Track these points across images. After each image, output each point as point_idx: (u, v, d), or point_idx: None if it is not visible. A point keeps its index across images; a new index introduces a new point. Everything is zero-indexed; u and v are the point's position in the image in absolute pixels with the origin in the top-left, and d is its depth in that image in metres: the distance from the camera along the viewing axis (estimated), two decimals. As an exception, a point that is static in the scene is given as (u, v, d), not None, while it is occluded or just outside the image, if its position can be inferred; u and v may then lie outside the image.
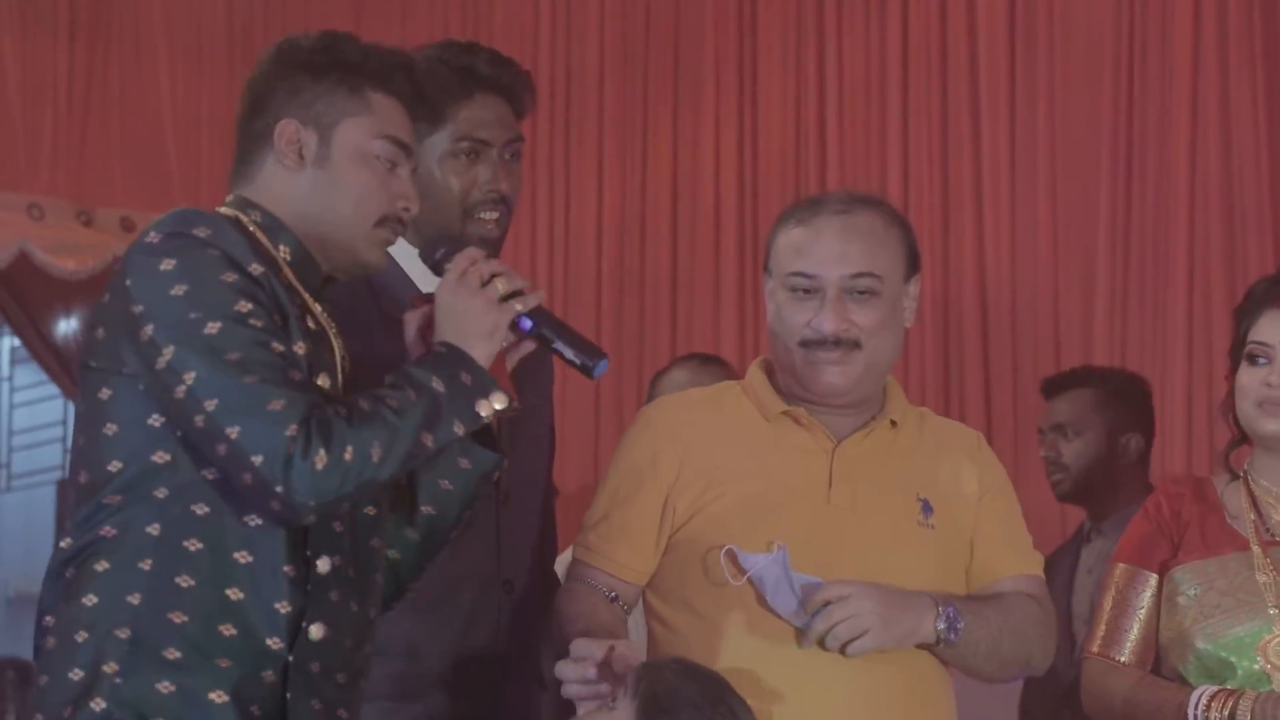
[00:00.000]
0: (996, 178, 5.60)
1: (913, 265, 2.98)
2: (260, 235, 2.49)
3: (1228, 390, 3.12)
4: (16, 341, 8.24)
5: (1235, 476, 3.13)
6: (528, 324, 2.55)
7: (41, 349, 7.28)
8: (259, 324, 2.38)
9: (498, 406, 2.46)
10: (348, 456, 2.35)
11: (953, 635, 2.80)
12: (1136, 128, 5.34)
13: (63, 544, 2.42)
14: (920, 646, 2.82)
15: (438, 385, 2.42)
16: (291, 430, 2.33)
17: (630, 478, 2.93)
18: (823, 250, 2.91)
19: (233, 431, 2.33)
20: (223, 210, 2.52)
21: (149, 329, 2.36)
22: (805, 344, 2.90)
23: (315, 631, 2.42)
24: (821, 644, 2.77)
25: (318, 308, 2.53)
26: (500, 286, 2.54)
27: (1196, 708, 2.95)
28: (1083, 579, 4.50)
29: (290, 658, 2.41)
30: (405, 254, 2.97)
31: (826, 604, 2.74)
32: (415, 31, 6.59)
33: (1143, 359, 5.15)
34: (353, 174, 2.53)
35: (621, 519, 2.93)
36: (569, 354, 2.60)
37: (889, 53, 5.79)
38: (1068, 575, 4.63)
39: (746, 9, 6.11)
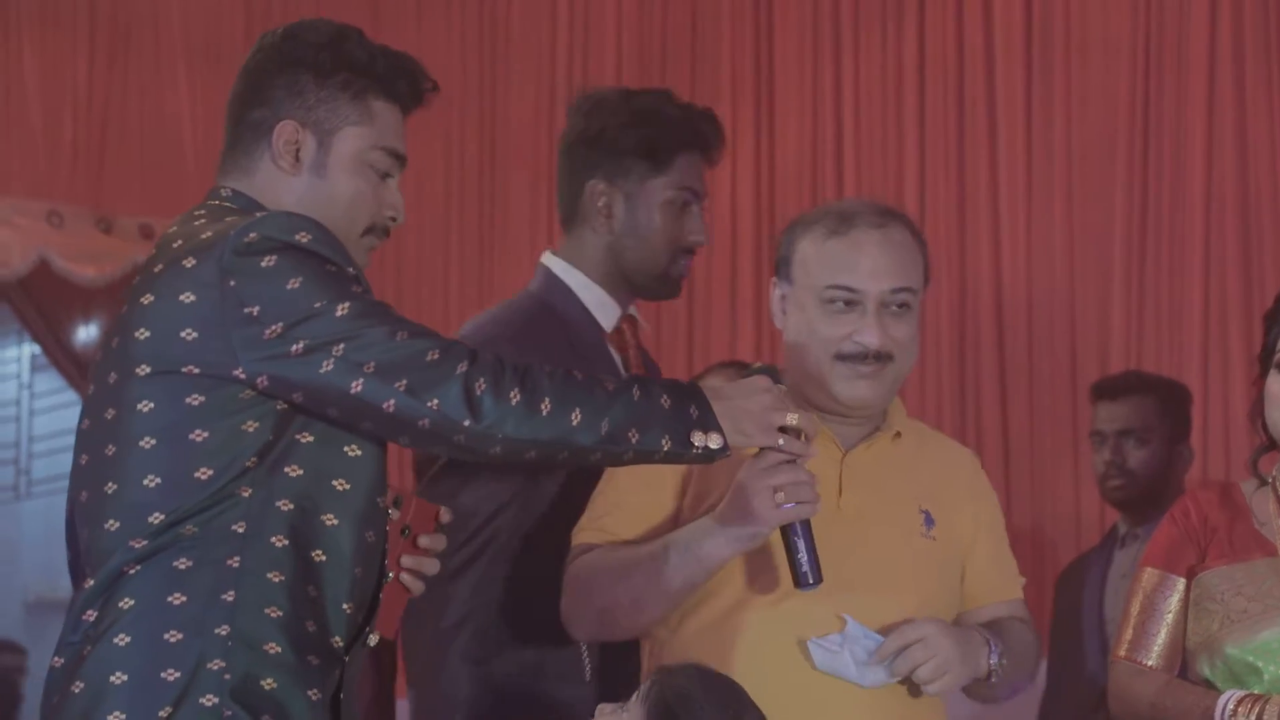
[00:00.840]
0: (1013, 187, 5.61)
1: (928, 278, 3.02)
2: None
3: (1257, 396, 3.11)
4: (37, 349, 8.26)
5: (1264, 482, 3.13)
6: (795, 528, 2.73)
7: (61, 356, 7.30)
8: (379, 300, 2.42)
9: (712, 446, 2.48)
10: (544, 408, 2.37)
11: (1001, 669, 2.87)
12: (1153, 136, 5.35)
13: (133, 543, 2.38)
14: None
15: (665, 401, 2.46)
16: (463, 368, 2.36)
17: (644, 470, 2.89)
18: (866, 265, 2.92)
19: (400, 385, 2.34)
20: (228, 207, 2.51)
21: (277, 325, 2.36)
22: (842, 357, 2.91)
23: (373, 638, 2.47)
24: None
25: None
26: (780, 499, 2.69)
27: (1224, 712, 2.95)
28: (1116, 583, 4.51)
29: (346, 658, 2.44)
30: (580, 284, 3.36)
31: (905, 648, 2.77)
32: (431, 36, 6.61)
33: (1159, 366, 5.15)
34: (347, 183, 2.54)
35: (637, 505, 2.93)
36: (802, 560, 2.72)
37: (905, 63, 5.80)
38: (1100, 579, 4.64)
39: (763, 20, 6.13)
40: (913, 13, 5.81)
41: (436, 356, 2.35)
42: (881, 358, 2.91)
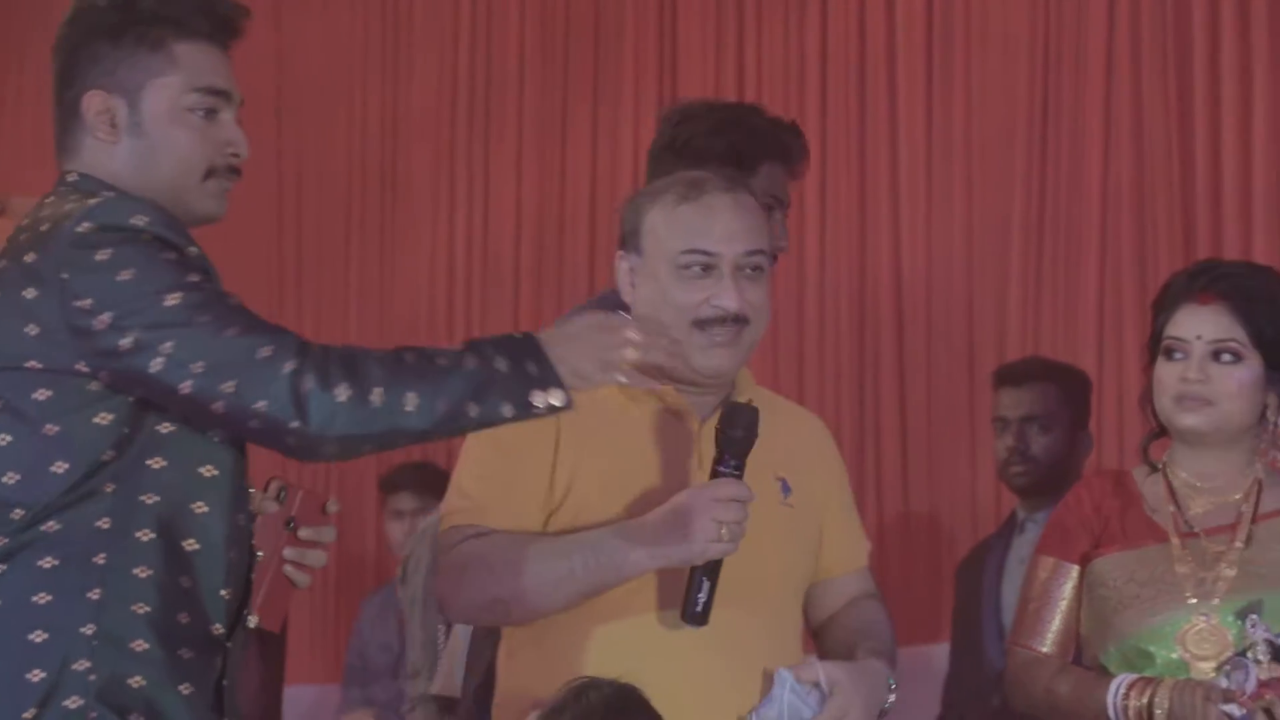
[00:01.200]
0: (913, 178, 5.64)
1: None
2: None
3: (1147, 383, 3.15)
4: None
5: (1155, 469, 3.16)
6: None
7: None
8: (216, 287, 2.37)
9: (555, 403, 2.42)
10: (375, 398, 2.32)
11: (894, 696, 2.90)
12: (1051, 127, 5.39)
13: None
14: None
15: (500, 364, 2.39)
16: (290, 365, 2.30)
17: (511, 448, 2.88)
18: (720, 228, 2.89)
19: (228, 386, 2.30)
20: (73, 190, 2.45)
21: (105, 317, 2.31)
22: (700, 323, 2.88)
23: (252, 620, 2.44)
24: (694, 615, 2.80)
25: None
26: (724, 534, 2.70)
27: (1116, 696, 2.98)
28: (1014, 569, 4.52)
29: (228, 644, 2.42)
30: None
31: None
32: (335, 17, 6.58)
33: (1054, 355, 5.19)
34: (169, 136, 2.47)
35: (507, 482, 2.88)
36: (701, 599, 2.75)
37: (808, 51, 5.82)
38: (998, 565, 4.66)
39: (666, 6, 6.12)
40: (815, 4, 5.82)
41: (268, 353, 2.30)
42: (739, 320, 2.88)
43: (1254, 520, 3.08)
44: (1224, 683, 2.92)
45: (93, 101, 2.45)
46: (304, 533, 2.52)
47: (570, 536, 2.82)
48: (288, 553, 2.53)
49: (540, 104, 6.29)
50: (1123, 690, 2.97)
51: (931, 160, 5.62)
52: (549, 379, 2.41)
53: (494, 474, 2.88)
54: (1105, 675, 3.04)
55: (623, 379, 2.56)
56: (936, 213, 5.60)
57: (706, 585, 2.76)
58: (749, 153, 3.43)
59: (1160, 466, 3.15)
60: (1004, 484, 4.79)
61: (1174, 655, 3.01)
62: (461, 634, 3.64)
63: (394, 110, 6.51)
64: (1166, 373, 3.09)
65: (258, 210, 6.60)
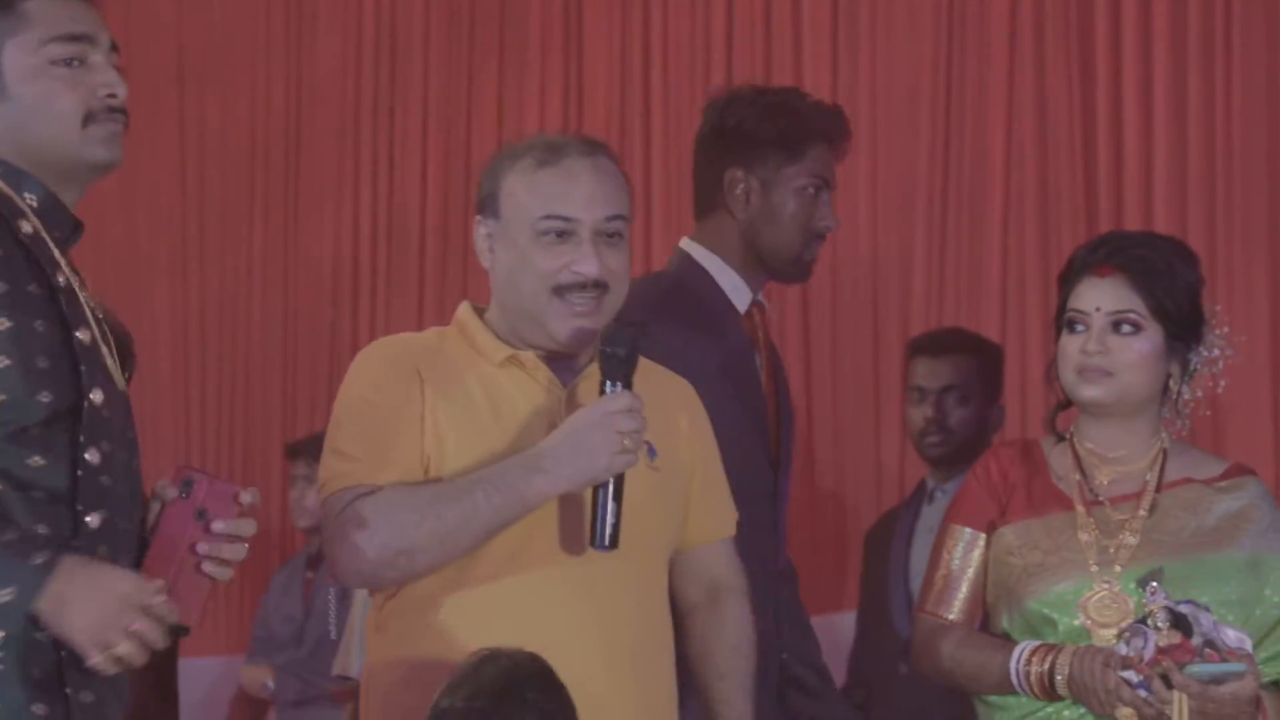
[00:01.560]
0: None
1: (633, 212, 3.00)
2: (2, 185, 2.41)
3: (1053, 356, 3.16)
4: None
5: (1061, 438, 3.18)
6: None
7: None
8: None
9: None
10: None
11: None
12: (955, 100, 5.42)
13: None
14: None
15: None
16: None
17: (383, 407, 2.85)
18: (580, 193, 2.87)
19: None
20: None
21: None
22: (559, 289, 2.86)
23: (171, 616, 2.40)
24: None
25: (64, 260, 2.46)
26: (626, 445, 2.70)
27: (1018, 662, 3.01)
28: (924, 538, 4.54)
29: None
30: (717, 267, 3.53)
31: None
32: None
33: (958, 325, 5.22)
34: (33, 91, 2.44)
35: (386, 438, 2.85)
36: (609, 520, 2.75)
37: (713, 27, 5.81)
38: (907, 534, 4.68)
39: (572, -21, 6.10)
40: (722, -23, 5.83)
41: None
42: (599, 287, 2.86)
43: (1158, 489, 3.11)
44: (1123, 650, 2.95)
45: None
46: (218, 526, 2.48)
47: (467, 476, 2.80)
48: (202, 548, 2.48)
49: (446, 73, 6.26)
50: (1024, 656, 3.01)
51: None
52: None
53: (371, 433, 2.85)
54: (1009, 642, 3.06)
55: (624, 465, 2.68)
56: (842, 184, 5.59)
57: (613, 506, 2.75)
58: (797, 136, 3.55)
59: (1067, 436, 3.17)
60: (918, 453, 4.81)
61: (1076, 622, 3.03)
62: (361, 614, 3.62)
63: (298, 78, 6.45)
64: (1068, 345, 3.11)
65: (160, 178, 6.54)
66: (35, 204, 2.44)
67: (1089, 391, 3.09)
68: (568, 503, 2.85)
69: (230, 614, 6.39)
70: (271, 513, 6.25)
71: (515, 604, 2.82)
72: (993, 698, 3.07)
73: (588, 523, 2.79)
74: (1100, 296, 3.09)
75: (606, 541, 2.76)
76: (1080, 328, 3.10)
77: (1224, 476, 3.15)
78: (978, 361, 4.71)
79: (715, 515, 3.06)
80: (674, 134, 5.87)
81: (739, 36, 5.79)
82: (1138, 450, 3.14)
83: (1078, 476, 3.13)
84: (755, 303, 3.62)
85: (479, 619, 2.80)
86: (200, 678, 6.08)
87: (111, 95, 2.47)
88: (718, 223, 3.58)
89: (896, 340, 5.42)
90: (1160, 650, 2.92)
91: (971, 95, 5.39)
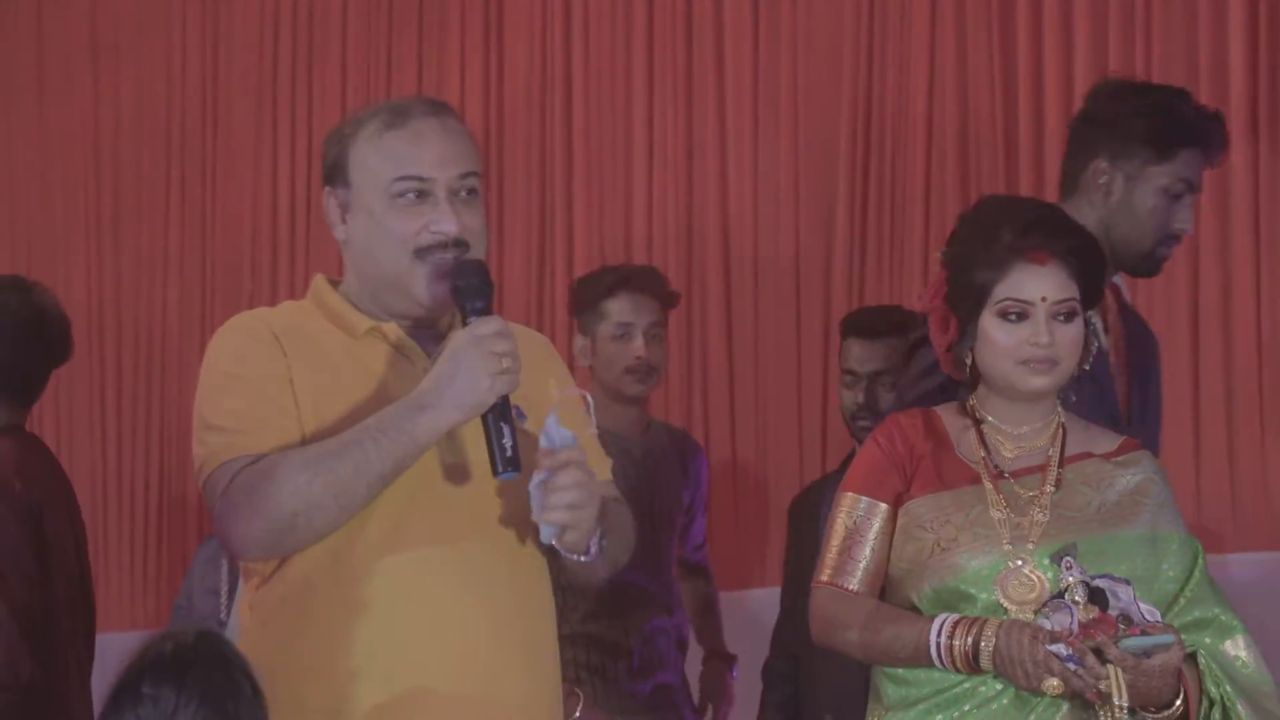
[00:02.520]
0: (740, 121, 5.64)
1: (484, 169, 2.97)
2: None
3: (953, 334, 3.11)
4: None
5: (964, 412, 3.15)
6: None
7: None
8: None
9: None
10: None
11: (600, 550, 2.83)
12: (876, 70, 5.42)
13: None
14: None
15: None
16: None
17: (251, 377, 2.80)
18: (431, 153, 2.82)
19: None
20: None
21: None
22: (420, 251, 2.81)
23: None
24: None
25: None
26: (505, 365, 2.66)
27: (939, 634, 2.97)
28: None
29: None
30: None
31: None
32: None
33: (880, 299, 5.22)
34: None
35: (261, 405, 2.79)
36: (507, 444, 2.70)
37: (635, -8, 5.80)
38: (831, 506, 4.66)
39: (492, -58, 6.07)
40: (644, -59, 5.81)
41: None
42: (460, 245, 2.82)
43: (1061, 464, 3.11)
44: (1046, 624, 2.95)
45: None
46: None
47: (351, 430, 2.74)
48: None
49: (364, 37, 6.21)
50: (946, 629, 2.97)
51: (758, 105, 5.62)
52: None
53: (243, 404, 2.80)
54: (923, 616, 3.02)
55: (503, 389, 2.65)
56: (763, 158, 5.61)
57: (507, 429, 2.71)
58: (1170, 138, 3.62)
59: (969, 409, 3.16)
60: (850, 434, 4.80)
61: (993, 598, 3.00)
62: None
63: (214, 47, 6.39)
64: (1007, 335, 3.06)
65: (75, 151, 6.48)
66: None
67: (1037, 382, 3.06)
68: (438, 478, 2.81)
69: (149, 587, 6.34)
70: (193, 487, 6.20)
71: (390, 582, 2.78)
72: (901, 672, 3.03)
73: (487, 455, 2.74)
74: (1044, 286, 3.05)
75: (508, 466, 2.72)
76: (1015, 317, 3.07)
77: (1119, 451, 3.15)
78: (903, 344, 4.69)
79: (593, 464, 2.94)
80: (594, 102, 5.84)
81: (659, 5, 5.76)
82: (1039, 425, 3.12)
83: (982, 452, 3.11)
84: (1109, 284, 3.62)
85: (355, 599, 2.76)
86: (118, 652, 6.02)
87: None
88: (1076, 207, 3.60)
89: (819, 313, 5.42)
90: (1084, 625, 2.92)
91: (893, 65, 5.39)
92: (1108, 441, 3.16)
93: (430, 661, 2.77)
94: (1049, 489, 3.07)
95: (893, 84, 5.38)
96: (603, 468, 3.01)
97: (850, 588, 3.09)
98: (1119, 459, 3.14)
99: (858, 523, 3.11)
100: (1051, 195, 5.04)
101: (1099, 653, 2.89)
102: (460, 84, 6.01)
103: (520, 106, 5.96)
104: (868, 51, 5.43)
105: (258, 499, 2.73)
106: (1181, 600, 3.05)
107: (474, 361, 2.70)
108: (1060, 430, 3.13)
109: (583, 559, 2.82)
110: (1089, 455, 3.12)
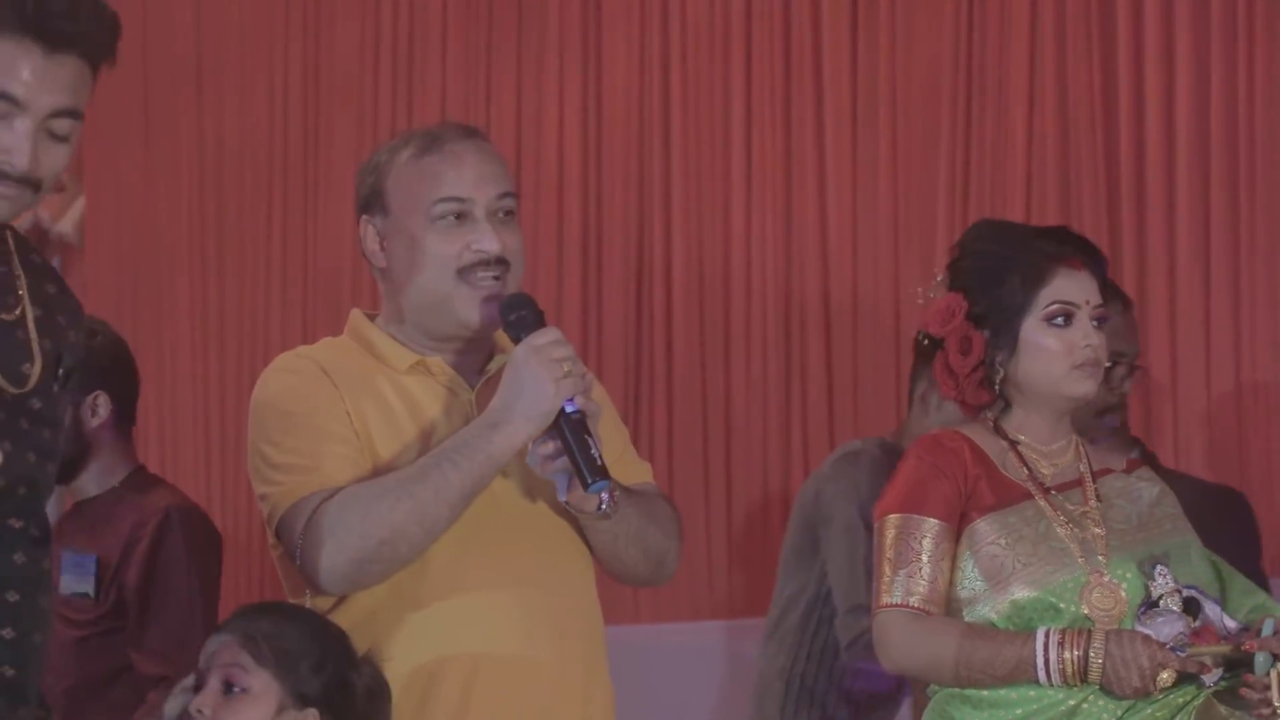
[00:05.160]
0: (839, 136, 5.61)
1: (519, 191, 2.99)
2: None
3: (979, 351, 3.09)
4: None
5: (993, 432, 3.13)
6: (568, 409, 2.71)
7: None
8: None
9: None
10: None
11: (616, 501, 2.82)
12: (975, 88, 5.39)
13: None
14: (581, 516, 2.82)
15: None
16: None
17: (310, 412, 2.81)
18: (469, 174, 2.86)
19: None
20: None
21: None
22: (463, 271, 2.84)
23: None
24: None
25: None
26: (566, 369, 2.69)
27: (1046, 648, 2.93)
28: None
29: None
30: None
31: None
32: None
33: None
34: None
35: (325, 440, 2.80)
36: (589, 454, 2.70)
37: (733, 10, 5.79)
38: None
39: (591, -37, 6.08)
40: (741, -38, 5.80)
41: None
42: (502, 263, 2.85)
43: (1093, 479, 3.10)
44: (1150, 633, 2.93)
45: None
46: None
47: (426, 455, 2.76)
48: None
49: (464, 63, 6.24)
50: (1053, 642, 2.93)
51: (857, 121, 5.60)
52: None
53: (309, 440, 2.82)
54: (1016, 632, 2.97)
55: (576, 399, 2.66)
56: (862, 175, 5.59)
57: (589, 439, 2.72)
58: None
59: (992, 429, 3.13)
60: None
61: (1080, 610, 2.98)
62: None
63: (315, 72, 6.43)
64: (1057, 340, 3.06)
65: (180, 176, 6.55)
66: None
67: (1087, 386, 3.08)
68: (496, 505, 2.82)
69: (254, 598, 6.37)
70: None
71: (455, 612, 2.80)
72: (985, 693, 2.98)
73: (572, 473, 2.75)
74: (1086, 290, 3.08)
75: (598, 475, 2.72)
76: (1063, 320, 3.06)
77: (1129, 468, 3.16)
78: None
79: (628, 470, 2.98)
80: (692, 120, 5.84)
81: (757, 25, 5.76)
82: (1064, 444, 3.14)
83: (1025, 470, 3.09)
84: None
85: (417, 629, 2.78)
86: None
87: (9, 164, 2.30)
88: None
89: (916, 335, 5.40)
90: (1194, 633, 2.91)
91: (992, 82, 5.36)
92: (1117, 457, 3.24)
93: (495, 690, 2.78)
94: (1093, 503, 3.06)
95: (992, 111, 5.36)
96: (645, 469, 3.04)
97: (922, 608, 3.03)
98: (1134, 473, 3.15)
99: (917, 541, 3.04)
100: (1154, 211, 5.06)
101: (1229, 661, 2.88)
102: (559, 106, 6.03)
103: (619, 128, 5.97)
104: (966, 78, 5.40)
105: (341, 532, 2.74)
106: (1233, 595, 3.06)
107: (536, 371, 2.72)
108: (1080, 447, 3.13)
109: (603, 509, 2.81)
110: (1109, 470, 3.13)
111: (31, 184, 2.31)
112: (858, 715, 4.33)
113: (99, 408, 3.99)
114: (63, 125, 2.31)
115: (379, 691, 2.70)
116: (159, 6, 6.50)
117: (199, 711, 2.61)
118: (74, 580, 3.92)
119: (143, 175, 6.62)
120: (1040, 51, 5.29)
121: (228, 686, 2.65)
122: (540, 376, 2.71)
